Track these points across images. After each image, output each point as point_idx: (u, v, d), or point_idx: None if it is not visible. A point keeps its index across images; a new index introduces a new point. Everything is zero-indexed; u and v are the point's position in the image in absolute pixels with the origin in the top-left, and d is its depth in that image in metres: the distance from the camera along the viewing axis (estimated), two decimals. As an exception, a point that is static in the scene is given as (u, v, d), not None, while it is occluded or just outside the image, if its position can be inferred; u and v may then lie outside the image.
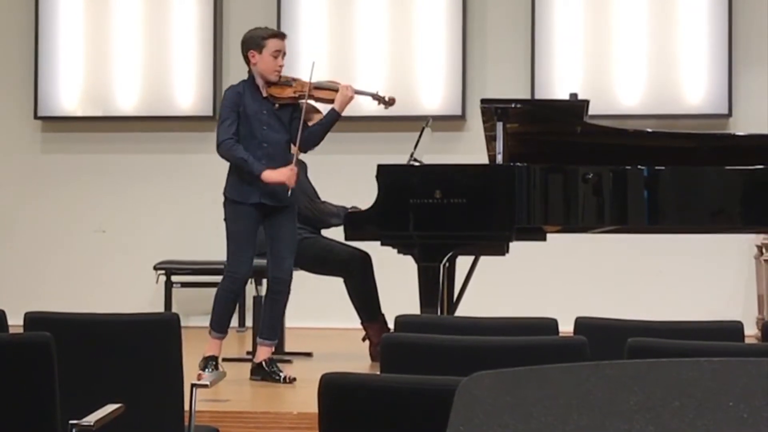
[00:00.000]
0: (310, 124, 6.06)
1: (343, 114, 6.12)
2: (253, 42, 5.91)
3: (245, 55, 5.93)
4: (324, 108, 6.09)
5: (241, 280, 5.94)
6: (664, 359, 1.54)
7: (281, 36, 5.96)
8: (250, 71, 5.93)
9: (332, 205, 6.94)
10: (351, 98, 5.93)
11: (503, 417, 1.48)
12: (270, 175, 5.77)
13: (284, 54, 5.93)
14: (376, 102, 6.18)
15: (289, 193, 5.81)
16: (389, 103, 6.17)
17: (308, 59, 8.59)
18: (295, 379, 5.93)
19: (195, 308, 8.03)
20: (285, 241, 5.93)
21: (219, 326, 5.93)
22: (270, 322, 6.01)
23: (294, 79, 5.96)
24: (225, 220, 5.94)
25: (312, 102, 6.06)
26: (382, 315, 6.73)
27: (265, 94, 5.89)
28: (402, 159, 6.32)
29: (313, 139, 5.99)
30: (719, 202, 6.04)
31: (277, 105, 5.89)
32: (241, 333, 8.13)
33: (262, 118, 5.85)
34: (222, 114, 5.91)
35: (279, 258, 5.92)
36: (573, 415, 1.47)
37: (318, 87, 5.95)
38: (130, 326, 3.94)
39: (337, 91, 5.91)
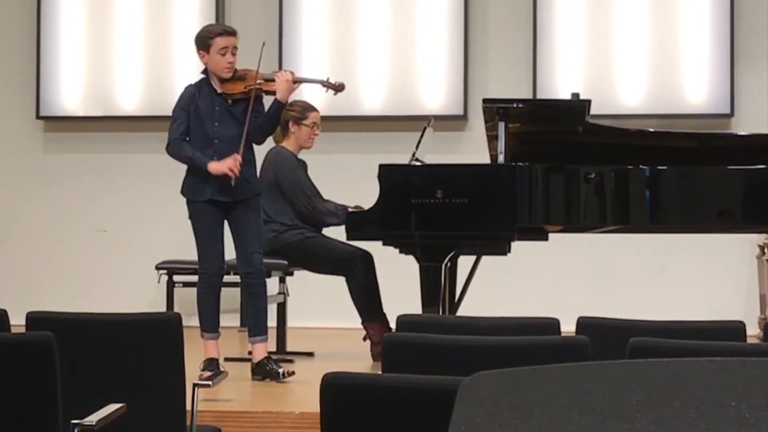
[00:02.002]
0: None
1: (346, 114, 6.18)
2: (200, 42, 5.91)
3: (198, 54, 5.94)
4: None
5: (215, 275, 5.91)
6: (666, 359, 1.54)
7: (228, 33, 5.90)
8: (205, 68, 5.95)
9: (333, 204, 6.92)
10: (290, 82, 5.89)
11: (505, 417, 1.48)
12: (213, 167, 5.79)
13: (234, 49, 5.88)
14: (324, 89, 6.17)
15: (233, 183, 5.78)
16: (338, 88, 6.14)
17: (310, 57, 8.65)
18: (293, 372, 5.93)
19: (196, 308, 8.02)
20: (250, 235, 5.90)
21: (209, 327, 5.92)
22: (255, 319, 5.98)
23: (245, 74, 5.94)
24: (189, 218, 5.96)
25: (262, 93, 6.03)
26: (384, 315, 6.73)
27: (219, 91, 5.90)
28: (404, 159, 6.32)
29: (261, 131, 5.96)
30: (721, 202, 6.03)
31: (230, 101, 5.89)
32: (243, 332, 8.12)
33: (214, 115, 5.86)
34: (173, 113, 5.96)
35: (247, 253, 5.91)
36: (574, 415, 1.47)
37: (267, 79, 5.95)
38: (132, 326, 3.94)
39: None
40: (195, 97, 5.90)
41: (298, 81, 6.00)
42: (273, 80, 5.93)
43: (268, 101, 5.99)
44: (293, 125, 6.88)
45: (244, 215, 5.89)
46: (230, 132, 5.86)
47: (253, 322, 5.99)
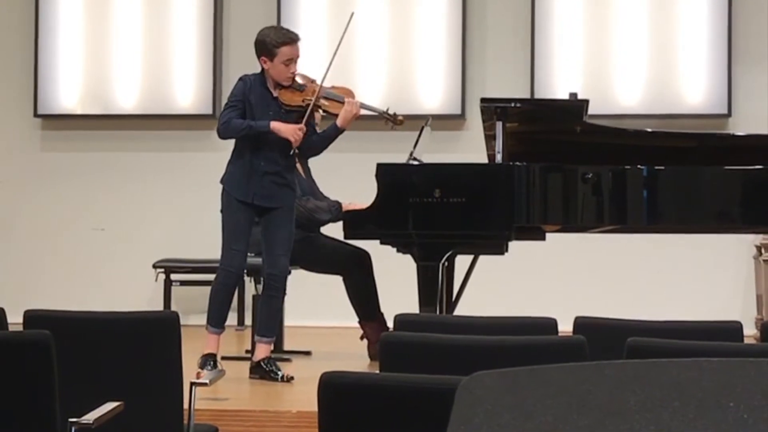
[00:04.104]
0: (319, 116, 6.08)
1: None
2: (264, 48, 5.82)
3: (258, 57, 5.89)
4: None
5: (236, 274, 5.93)
6: (664, 359, 1.54)
7: (294, 41, 5.83)
8: (263, 69, 5.90)
9: (326, 202, 6.90)
10: (356, 114, 5.91)
11: (504, 417, 1.48)
12: (278, 126, 5.76)
13: (297, 58, 5.87)
14: (383, 120, 6.16)
15: (291, 152, 5.79)
16: (398, 122, 6.12)
17: (308, 56, 8.62)
18: (293, 377, 5.93)
19: (194, 306, 8.02)
20: (280, 239, 5.91)
21: (215, 321, 5.93)
22: (267, 320, 6.00)
23: (305, 84, 5.91)
24: (221, 211, 5.95)
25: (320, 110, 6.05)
26: (381, 314, 6.73)
27: (275, 95, 5.87)
28: (401, 158, 6.32)
29: (313, 149, 6.05)
30: (718, 202, 6.04)
31: (284, 109, 5.87)
32: (240, 331, 8.12)
33: (267, 119, 5.83)
34: (228, 102, 5.89)
35: (274, 256, 5.92)
36: (573, 415, 1.47)
37: (327, 97, 5.93)
38: (130, 324, 3.94)
39: (344, 103, 5.90)
40: (248, 92, 5.83)
41: (362, 107, 6.00)
42: (336, 101, 5.90)
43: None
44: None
45: (277, 219, 5.90)
46: (281, 141, 5.83)
47: (264, 323, 6.00)
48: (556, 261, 8.23)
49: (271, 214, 5.90)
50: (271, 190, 5.85)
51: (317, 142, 6.00)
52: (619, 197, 5.99)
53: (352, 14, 6.23)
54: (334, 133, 5.95)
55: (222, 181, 5.95)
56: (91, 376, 3.77)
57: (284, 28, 5.96)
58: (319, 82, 5.92)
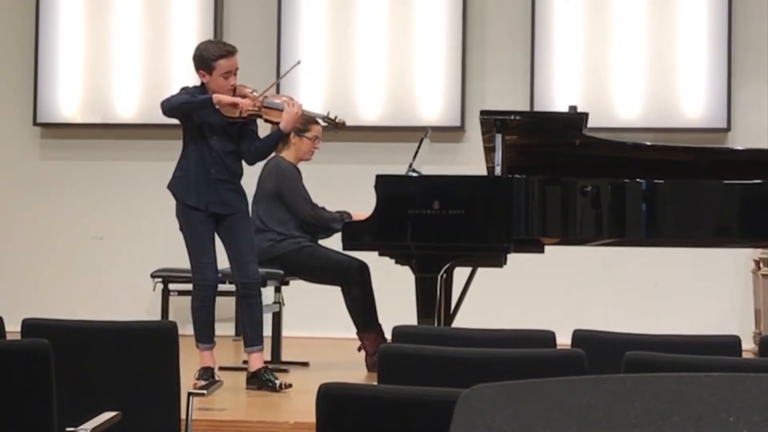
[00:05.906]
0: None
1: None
2: (202, 62, 5.82)
3: (197, 71, 5.89)
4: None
5: (210, 286, 5.89)
6: (664, 374, 1.54)
7: (230, 54, 5.82)
8: (203, 83, 5.89)
9: (336, 212, 6.91)
10: (297, 114, 5.88)
11: (503, 430, 1.48)
12: (220, 97, 5.72)
13: (236, 70, 5.84)
14: (325, 124, 6.18)
15: (239, 114, 5.74)
16: (339, 125, 6.14)
17: (308, 66, 8.65)
18: (291, 385, 5.92)
19: (191, 319, 8.02)
20: (245, 246, 5.90)
21: (204, 337, 5.91)
22: (252, 329, 5.98)
23: (246, 96, 5.88)
24: (180, 230, 5.93)
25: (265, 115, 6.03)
26: (379, 325, 6.73)
27: (216, 107, 5.85)
28: (401, 169, 6.32)
29: (258, 154, 5.99)
30: (717, 216, 6.04)
31: (226, 121, 5.86)
32: (238, 341, 8.11)
33: (212, 127, 5.82)
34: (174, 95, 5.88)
35: (242, 264, 5.90)
36: (573, 429, 1.47)
37: (268, 106, 5.93)
38: (128, 334, 3.94)
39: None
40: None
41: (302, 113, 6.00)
42: (276, 109, 5.89)
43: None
44: (294, 136, 6.84)
45: (237, 226, 5.89)
46: (227, 146, 5.85)
47: (250, 333, 5.98)
48: (554, 274, 8.23)
49: (229, 223, 5.88)
50: (224, 196, 5.85)
51: (261, 147, 5.97)
52: (618, 210, 5.99)
53: (299, 62, 6.30)
54: (278, 135, 5.94)
55: (169, 187, 5.94)
56: (88, 386, 3.77)
57: (222, 41, 5.99)
58: (259, 92, 5.92)
